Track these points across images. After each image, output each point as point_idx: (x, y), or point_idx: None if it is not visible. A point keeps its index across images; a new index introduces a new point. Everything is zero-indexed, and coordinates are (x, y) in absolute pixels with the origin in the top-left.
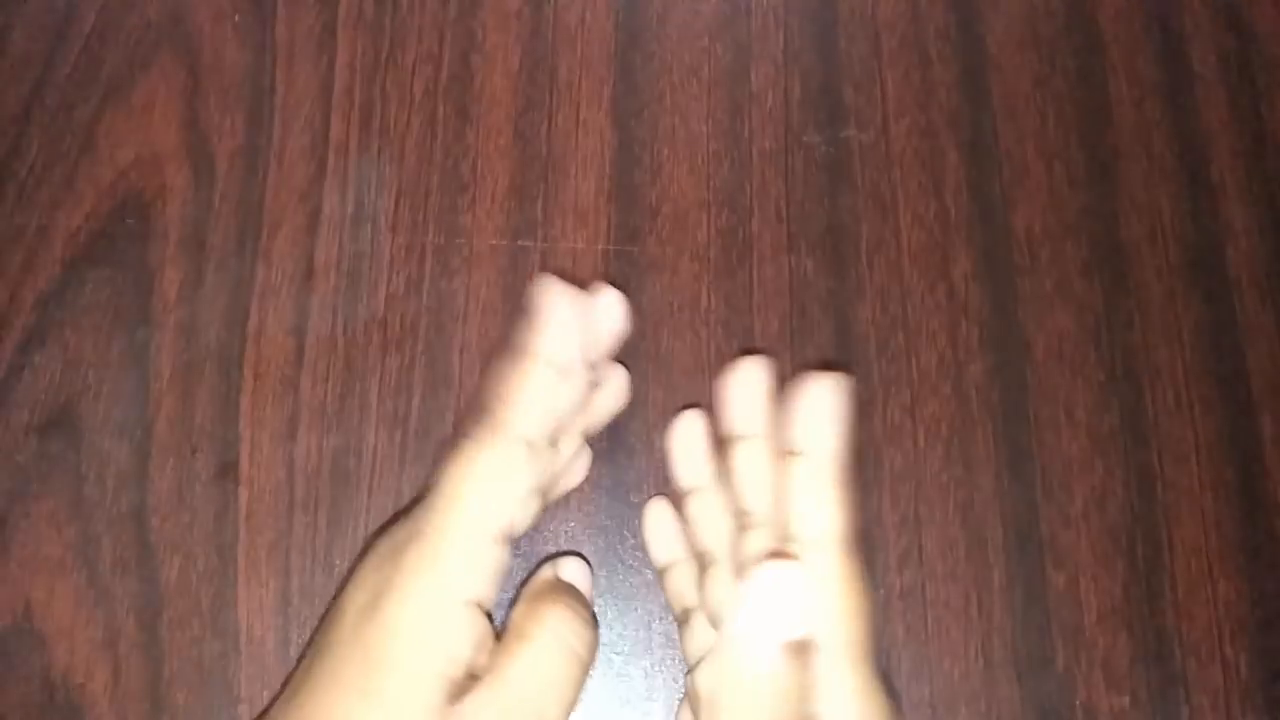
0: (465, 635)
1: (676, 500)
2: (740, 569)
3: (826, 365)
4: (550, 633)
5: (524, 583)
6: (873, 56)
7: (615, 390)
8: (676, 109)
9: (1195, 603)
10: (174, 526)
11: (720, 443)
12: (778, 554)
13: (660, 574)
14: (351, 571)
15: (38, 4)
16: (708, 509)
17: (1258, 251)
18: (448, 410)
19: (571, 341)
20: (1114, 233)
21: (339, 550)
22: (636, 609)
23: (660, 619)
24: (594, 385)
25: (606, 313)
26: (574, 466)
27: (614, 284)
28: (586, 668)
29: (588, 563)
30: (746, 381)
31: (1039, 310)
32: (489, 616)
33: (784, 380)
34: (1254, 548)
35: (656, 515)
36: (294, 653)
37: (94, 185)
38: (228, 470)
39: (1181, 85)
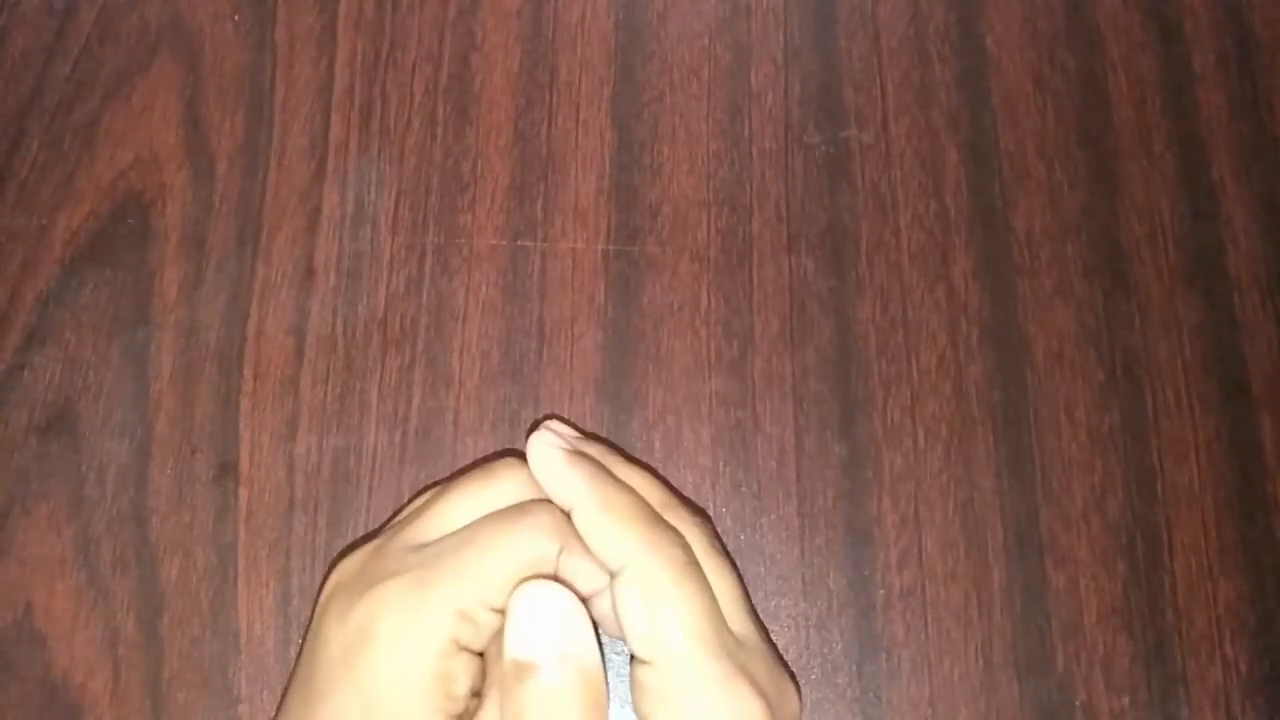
0: (464, 675)
1: None
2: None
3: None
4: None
5: None
6: (873, 56)
7: None
8: (676, 109)
9: (1195, 603)
10: (174, 526)
11: None
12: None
13: None
14: (327, 590)
15: (38, 4)
16: None
17: (1258, 251)
18: (448, 410)
19: None
20: (1114, 233)
21: (339, 550)
22: None
23: None
24: None
25: None
26: None
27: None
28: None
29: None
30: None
31: (1039, 310)
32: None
33: (782, 380)
34: (1254, 548)
35: None
36: (294, 653)
37: (94, 185)
38: (228, 470)
39: (1181, 85)
